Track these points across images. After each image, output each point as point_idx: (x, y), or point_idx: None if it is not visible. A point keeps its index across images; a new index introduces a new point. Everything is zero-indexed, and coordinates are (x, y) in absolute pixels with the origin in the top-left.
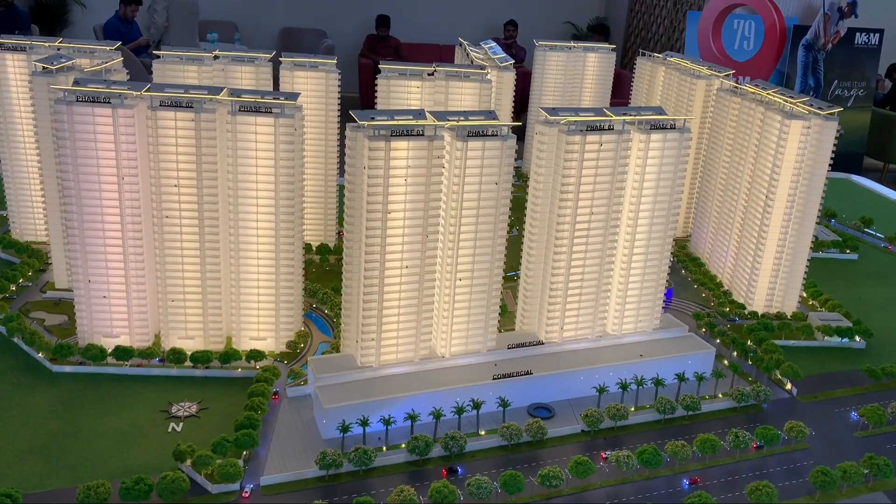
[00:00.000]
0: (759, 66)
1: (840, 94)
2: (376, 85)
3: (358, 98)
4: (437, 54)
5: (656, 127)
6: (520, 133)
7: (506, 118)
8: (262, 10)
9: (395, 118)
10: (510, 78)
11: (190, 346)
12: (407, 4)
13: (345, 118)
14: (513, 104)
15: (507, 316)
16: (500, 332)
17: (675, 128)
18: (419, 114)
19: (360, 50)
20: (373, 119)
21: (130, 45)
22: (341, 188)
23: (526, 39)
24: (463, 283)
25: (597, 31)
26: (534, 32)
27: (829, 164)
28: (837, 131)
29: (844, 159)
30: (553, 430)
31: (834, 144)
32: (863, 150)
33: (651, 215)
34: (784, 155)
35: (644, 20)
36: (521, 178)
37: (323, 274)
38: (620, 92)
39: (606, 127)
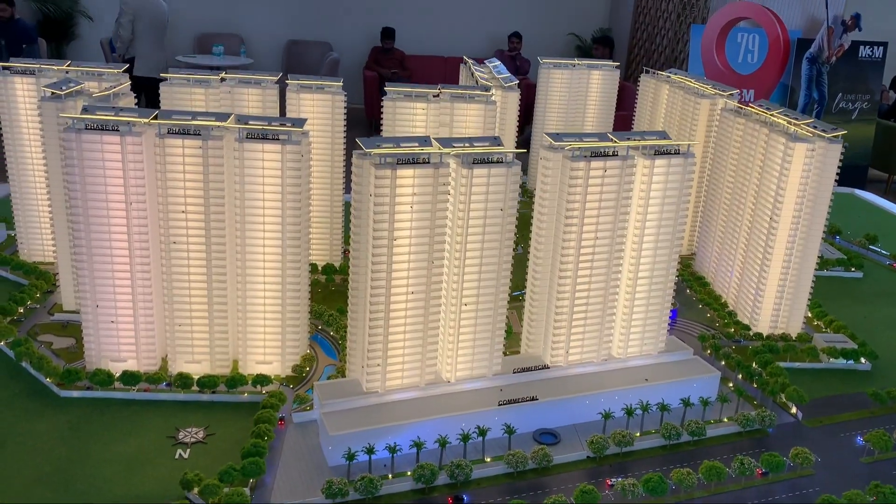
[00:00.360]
0: (763, 79)
1: (844, 107)
2: (382, 99)
3: (363, 110)
4: (442, 66)
5: (661, 152)
6: (524, 145)
7: (511, 138)
8: (268, 23)
9: (401, 145)
10: (515, 98)
11: (196, 369)
12: (412, 17)
13: (351, 134)
14: (518, 117)
15: (511, 337)
16: (505, 354)
17: (679, 153)
18: (425, 141)
19: (365, 62)
20: (379, 146)
21: None
22: (347, 206)
23: (530, 51)
24: (468, 309)
25: (601, 43)
26: (538, 44)
27: (834, 184)
28: (841, 153)
29: (849, 172)
30: (559, 456)
31: (838, 166)
32: (867, 162)
33: (656, 239)
34: (788, 177)
35: (648, 32)
36: (525, 195)
37: (329, 294)
38: (624, 104)
39: (611, 153)
